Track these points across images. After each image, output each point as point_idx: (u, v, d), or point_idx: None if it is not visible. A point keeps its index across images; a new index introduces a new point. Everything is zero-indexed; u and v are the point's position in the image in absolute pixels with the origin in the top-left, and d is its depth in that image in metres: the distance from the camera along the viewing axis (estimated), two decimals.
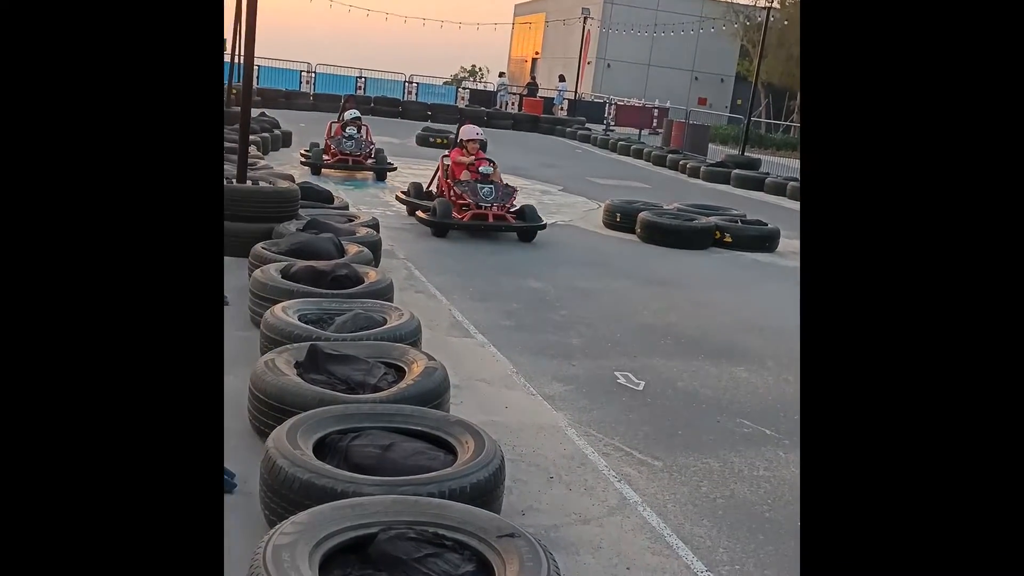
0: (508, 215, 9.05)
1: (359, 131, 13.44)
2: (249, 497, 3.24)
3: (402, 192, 10.02)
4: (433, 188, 9.63)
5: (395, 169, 13.42)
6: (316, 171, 12.79)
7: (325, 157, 13.03)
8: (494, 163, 9.40)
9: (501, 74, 37.16)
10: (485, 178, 8.99)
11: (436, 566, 2.51)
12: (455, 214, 8.85)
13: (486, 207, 8.84)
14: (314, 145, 13.63)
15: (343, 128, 13.44)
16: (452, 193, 9.12)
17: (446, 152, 9.82)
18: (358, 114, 13.93)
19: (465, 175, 9.08)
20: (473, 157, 9.20)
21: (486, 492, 3.02)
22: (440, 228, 8.68)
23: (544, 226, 9.27)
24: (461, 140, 9.42)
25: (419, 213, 9.10)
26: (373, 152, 13.28)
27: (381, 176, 13.17)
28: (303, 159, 13.32)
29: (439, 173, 9.58)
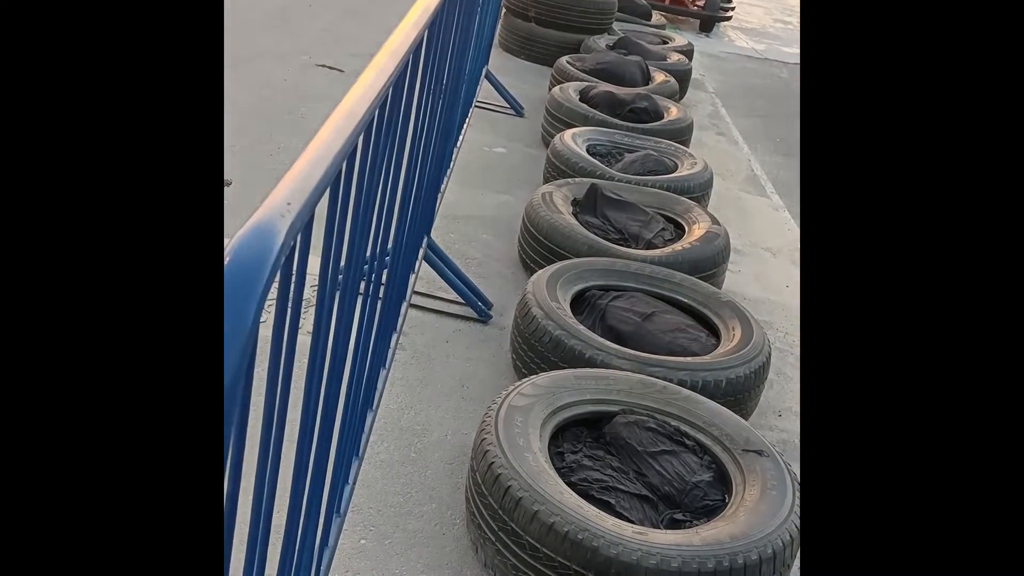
0: (689, 2, 9.54)
1: None
2: (502, 332, 3.22)
3: None
4: None
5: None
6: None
7: None
8: None
9: None
10: None
11: (670, 466, 2.35)
12: None
13: None
14: None
15: None
16: None
17: None
18: None
19: None
20: None
21: (742, 391, 2.78)
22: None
23: (727, 17, 9.58)
24: None
25: None
26: None
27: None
28: None
29: None
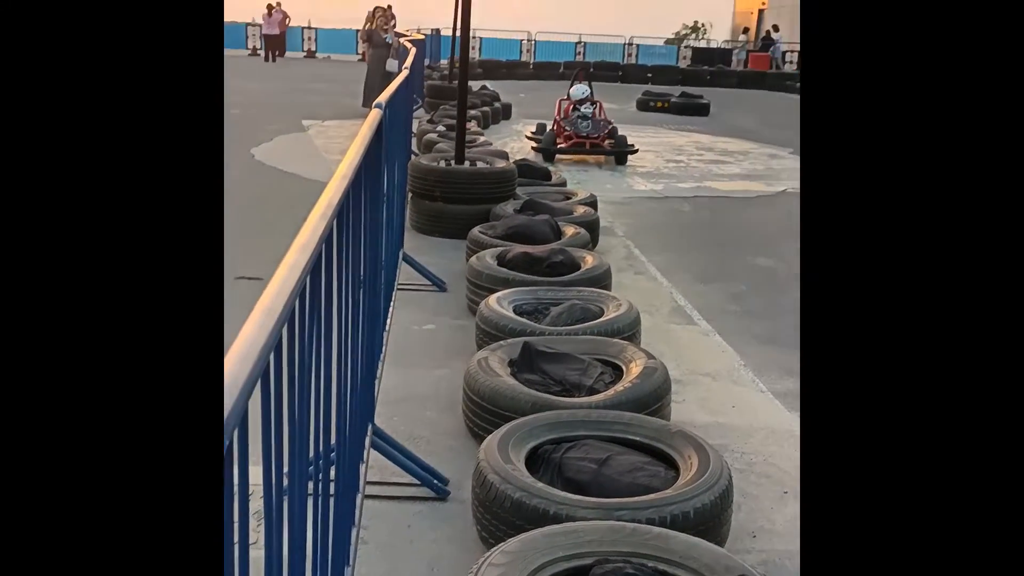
0: (603, 142, 11.49)
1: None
2: (463, 505, 3.14)
3: (531, 131, 12.46)
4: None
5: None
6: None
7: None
8: (598, 103, 12.17)
9: (745, 30, 35.91)
10: (584, 117, 11.65)
11: None
12: (560, 142, 11.58)
13: (583, 137, 11.49)
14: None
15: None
16: (559, 128, 11.81)
17: (564, 96, 12.41)
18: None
19: (572, 115, 11.83)
20: (573, 103, 12.06)
21: (711, 518, 2.74)
22: (546, 153, 11.36)
23: (634, 150, 11.52)
24: (570, 94, 12.28)
25: (532, 145, 11.85)
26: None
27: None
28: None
29: (556, 114, 12.26)
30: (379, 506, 3.14)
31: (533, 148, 11.86)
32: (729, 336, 5.15)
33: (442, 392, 4.11)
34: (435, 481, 3.26)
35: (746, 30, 35.87)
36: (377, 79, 13.58)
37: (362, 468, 2.80)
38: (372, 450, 3.08)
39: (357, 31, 15.62)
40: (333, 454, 2.34)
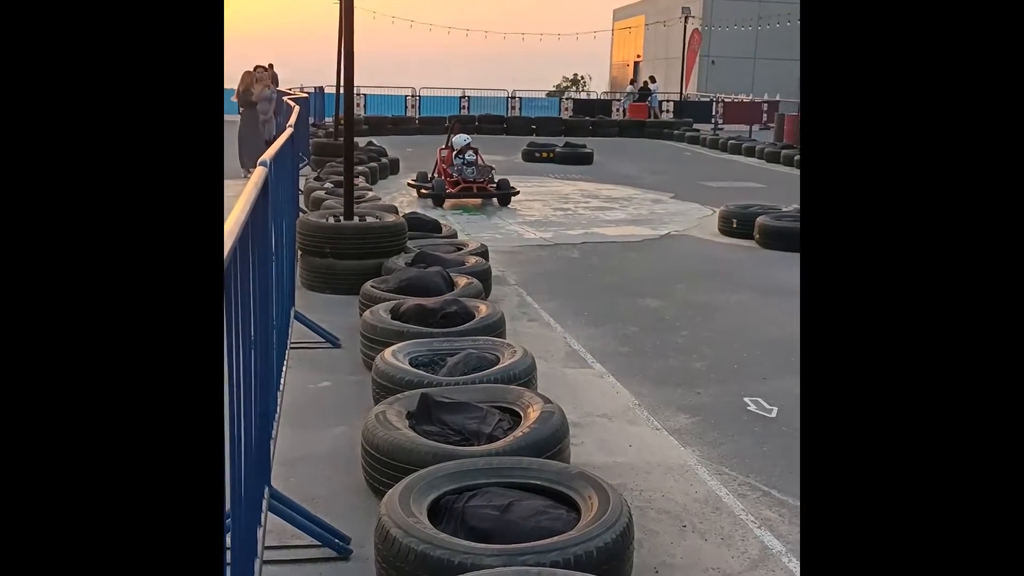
0: (488, 187, 12.47)
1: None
2: (366, 563, 3.10)
3: (412, 179, 13.36)
4: (435, 174, 13.06)
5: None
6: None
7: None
8: (477, 150, 12.98)
9: (632, 81, 37.24)
10: (469, 163, 12.55)
11: None
12: (448, 189, 12.34)
13: (470, 182, 12.40)
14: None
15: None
16: (446, 175, 12.59)
17: (443, 146, 13.27)
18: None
19: (456, 162, 12.61)
20: (457, 151, 12.76)
21: (614, 556, 2.78)
22: (437, 199, 12.26)
23: (516, 192, 12.61)
24: (451, 144, 12.97)
25: (422, 191, 12.71)
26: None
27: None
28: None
29: (438, 163, 13.07)
30: (279, 571, 3.06)
31: (422, 194, 12.73)
32: (622, 377, 5.26)
33: (340, 449, 4.05)
34: (336, 540, 3.20)
35: (632, 81, 37.19)
36: (253, 140, 13.45)
37: (259, 532, 2.74)
38: (270, 513, 3.01)
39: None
40: (228, 520, 2.28)
